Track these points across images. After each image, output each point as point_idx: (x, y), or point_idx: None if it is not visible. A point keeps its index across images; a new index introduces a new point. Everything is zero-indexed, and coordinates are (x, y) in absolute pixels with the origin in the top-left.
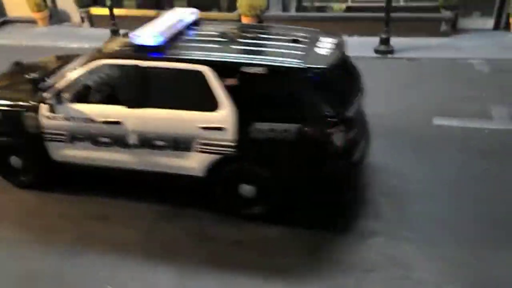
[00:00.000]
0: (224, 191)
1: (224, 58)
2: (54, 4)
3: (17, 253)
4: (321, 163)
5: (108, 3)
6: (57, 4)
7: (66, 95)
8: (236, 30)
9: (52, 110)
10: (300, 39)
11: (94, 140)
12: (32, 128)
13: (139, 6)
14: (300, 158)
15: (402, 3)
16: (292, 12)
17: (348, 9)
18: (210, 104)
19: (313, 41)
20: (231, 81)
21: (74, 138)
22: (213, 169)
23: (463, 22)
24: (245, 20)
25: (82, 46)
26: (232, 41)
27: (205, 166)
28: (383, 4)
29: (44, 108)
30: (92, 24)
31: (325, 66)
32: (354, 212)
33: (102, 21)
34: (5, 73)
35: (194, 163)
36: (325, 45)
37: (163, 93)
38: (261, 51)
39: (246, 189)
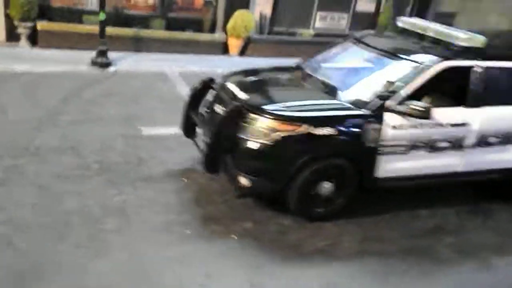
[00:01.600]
0: None
1: None
2: None
3: None
4: None
5: (102, 16)
6: None
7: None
8: None
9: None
10: None
11: (432, 146)
12: (371, 142)
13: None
14: None
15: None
16: (265, 36)
17: (316, 35)
18: None
19: None
20: None
21: (413, 147)
22: None
23: None
24: (234, 42)
25: (62, 70)
26: None
27: None
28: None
29: (393, 117)
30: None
31: None
32: None
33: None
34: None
35: None
36: None
37: (504, 90)
38: None
39: None
